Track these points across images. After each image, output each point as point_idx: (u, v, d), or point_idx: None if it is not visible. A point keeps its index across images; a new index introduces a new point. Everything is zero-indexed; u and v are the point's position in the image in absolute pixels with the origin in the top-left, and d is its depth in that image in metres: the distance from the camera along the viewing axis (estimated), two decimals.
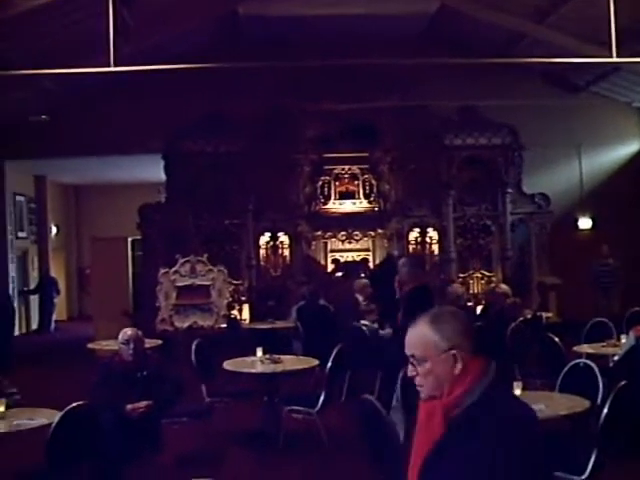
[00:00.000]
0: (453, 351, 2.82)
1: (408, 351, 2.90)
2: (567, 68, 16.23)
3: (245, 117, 16.34)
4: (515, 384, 6.08)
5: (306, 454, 8.31)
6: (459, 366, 2.82)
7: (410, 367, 2.89)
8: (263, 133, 16.39)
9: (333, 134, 16.75)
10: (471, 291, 16.51)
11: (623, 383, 5.75)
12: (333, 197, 17.12)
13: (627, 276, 16.14)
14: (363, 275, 15.58)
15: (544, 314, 12.99)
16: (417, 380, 2.89)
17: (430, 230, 17.14)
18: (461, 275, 16.84)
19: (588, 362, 6.76)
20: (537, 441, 2.82)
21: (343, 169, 17.18)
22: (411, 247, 17.13)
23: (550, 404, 6.00)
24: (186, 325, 14.73)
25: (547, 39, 15.70)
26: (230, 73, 15.25)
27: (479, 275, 17.06)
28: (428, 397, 2.89)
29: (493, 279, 16.78)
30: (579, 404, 6.00)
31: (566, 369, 6.80)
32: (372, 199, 17.12)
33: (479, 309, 13.07)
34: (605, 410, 5.50)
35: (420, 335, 2.87)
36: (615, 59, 12.81)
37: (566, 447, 5.94)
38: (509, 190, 17.00)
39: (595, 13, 12.82)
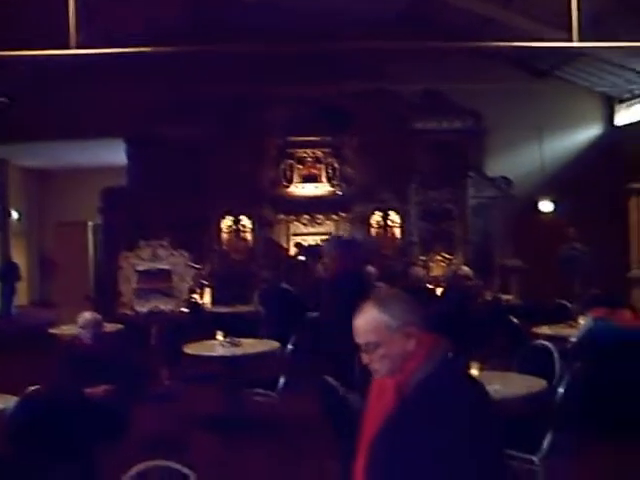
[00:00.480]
0: (405, 328, 2.84)
1: (360, 340, 2.90)
2: (532, 52, 16.30)
3: (210, 101, 16.26)
4: (472, 364, 6.12)
5: (269, 437, 8.32)
6: (412, 342, 2.84)
7: (364, 355, 2.90)
8: (228, 117, 16.33)
9: (297, 118, 16.71)
10: (433, 274, 16.54)
11: (579, 364, 5.83)
12: (296, 180, 17.09)
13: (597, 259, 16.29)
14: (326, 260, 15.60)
15: (504, 296, 13.14)
16: (373, 366, 2.90)
17: (393, 214, 17.18)
18: (423, 258, 16.90)
19: (545, 343, 6.84)
20: (487, 421, 2.84)
21: (306, 152, 17.16)
22: (374, 230, 17.16)
23: (507, 384, 6.06)
24: (147, 309, 14.64)
25: (512, 23, 15.73)
26: (196, 57, 15.12)
27: (441, 258, 17.15)
28: (385, 376, 2.90)
29: (455, 262, 16.86)
30: (536, 384, 6.06)
31: (524, 350, 6.88)
32: (335, 183, 17.12)
33: (440, 291, 13.12)
34: (561, 390, 5.56)
35: (369, 321, 2.88)
36: (576, 44, 12.89)
37: (522, 427, 6.02)
38: (471, 174, 17.10)
39: None
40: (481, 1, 15.60)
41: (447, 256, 17.22)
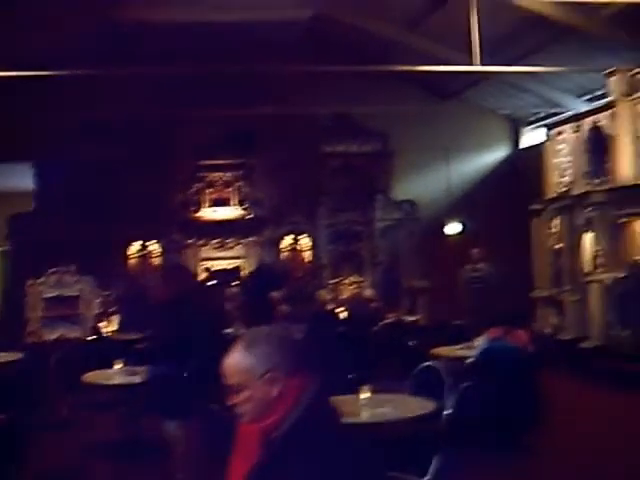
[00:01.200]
0: (270, 374, 2.83)
1: (226, 381, 2.89)
2: (437, 75, 16.55)
3: (120, 123, 16.09)
4: (364, 388, 6.15)
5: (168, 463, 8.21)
6: (277, 389, 2.83)
7: (231, 396, 2.89)
8: (137, 140, 16.17)
9: (207, 141, 16.65)
10: (343, 297, 16.60)
11: (466, 385, 5.90)
12: (206, 204, 17.00)
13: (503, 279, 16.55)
14: (236, 283, 15.59)
15: (408, 317, 13.28)
16: (238, 409, 2.89)
17: (303, 237, 17.22)
18: (333, 281, 16.96)
19: (435, 364, 6.90)
20: (355, 455, 2.85)
21: (216, 176, 17.07)
22: (284, 254, 17.17)
23: (397, 407, 6.09)
24: (53, 337, 14.42)
25: (417, 46, 16.00)
26: (106, 78, 14.96)
27: (350, 281, 17.21)
28: (250, 421, 2.90)
29: (363, 284, 16.97)
30: (425, 406, 6.10)
31: (415, 371, 6.93)
32: (246, 206, 17.06)
33: (345, 314, 13.23)
34: (448, 411, 5.62)
35: (235, 363, 2.87)
36: (478, 67, 13.20)
37: (411, 449, 6.07)
38: (379, 197, 17.28)
39: (462, 22, 13.16)
40: (386, 24, 15.76)
41: (357, 279, 17.29)
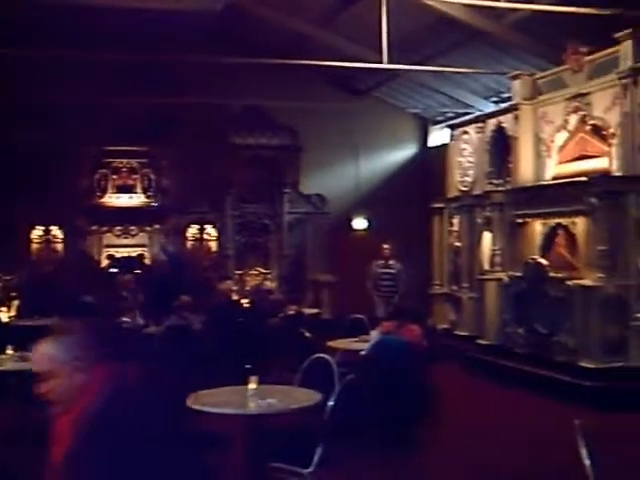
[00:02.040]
0: (75, 363, 2.91)
1: (35, 368, 2.98)
2: (348, 72, 16.67)
3: (27, 107, 15.75)
4: (252, 379, 6.17)
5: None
6: (82, 377, 2.92)
7: (40, 384, 2.95)
8: (43, 124, 15.85)
9: (115, 127, 16.42)
10: (248, 288, 16.61)
11: (349, 377, 5.96)
12: (111, 191, 16.79)
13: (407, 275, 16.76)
14: (139, 271, 15.44)
15: (310, 310, 13.35)
16: (48, 396, 2.96)
17: (209, 227, 17.18)
18: (238, 272, 16.97)
19: (326, 356, 6.95)
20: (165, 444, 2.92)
21: (122, 162, 16.90)
22: (189, 243, 17.10)
23: (283, 398, 6.13)
24: None
25: (329, 43, 16.08)
26: (17, 62, 14.63)
27: (256, 272, 17.25)
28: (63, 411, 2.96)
29: (269, 276, 17.03)
30: (312, 398, 6.15)
31: (306, 363, 6.98)
32: (151, 194, 16.92)
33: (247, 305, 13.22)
34: (330, 403, 5.67)
35: (43, 352, 2.97)
36: (386, 65, 13.35)
37: (295, 440, 6.13)
38: (287, 190, 17.36)
39: (372, 20, 13.28)
40: (297, 19, 15.78)
41: (262, 270, 17.34)
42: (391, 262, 14.91)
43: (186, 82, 16.08)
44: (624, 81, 10.46)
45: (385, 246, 15.07)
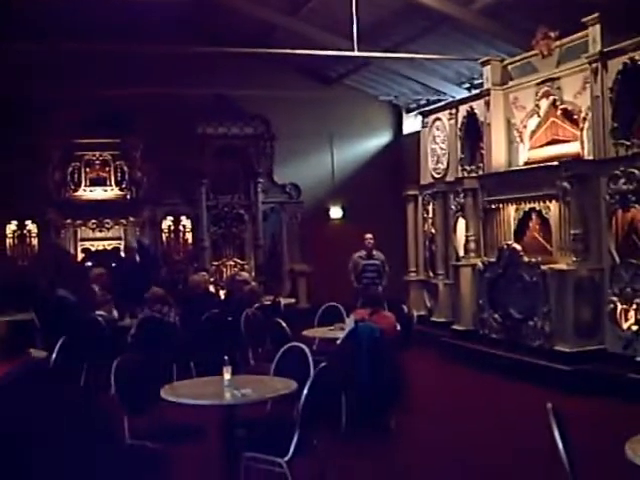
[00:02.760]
0: None
1: None
2: (320, 60, 16.64)
3: None
4: (225, 369, 6.17)
5: None
6: None
7: None
8: (13, 118, 15.71)
9: (85, 120, 16.30)
10: (223, 279, 16.60)
11: (323, 365, 5.97)
12: (84, 184, 16.68)
13: None
14: (114, 265, 15.37)
15: (285, 300, 13.37)
16: None
17: (184, 218, 17.11)
18: (215, 263, 16.95)
19: (301, 345, 6.96)
20: None
21: (94, 155, 16.76)
22: (164, 235, 17.03)
23: (258, 388, 6.14)
24: None
25: (299, 31, 16.03)
26: None
27: (232, 263, 17.23)
28: None
29: (246, 267, 17.01)
30: (287, 386, 6.16)
31: (281, 352, 6.99)
32: (124, 186, 16.80)
33: (223, 295, 13.24)
34: (305, 392, 5.67)
35: None
36: (356, 53, 13.36)
37: (271, 429, 6.14)
38: (261, 180, 17.34)
39: (342, 8, 13.27)
40: (267, 8, 15.73)
41: (239, 261, 17.31)
42: (374, 253, 14.48)
43: (156, 72, 15.92)
44: (593, 65, 10.50)
45: (367, 236, 14.68)
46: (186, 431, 6.45)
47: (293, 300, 15.12)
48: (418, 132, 15.68)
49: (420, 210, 14.72)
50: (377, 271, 14.29)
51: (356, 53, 13.40)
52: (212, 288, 14.79)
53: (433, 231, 14.21)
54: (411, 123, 19.22)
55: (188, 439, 6.39)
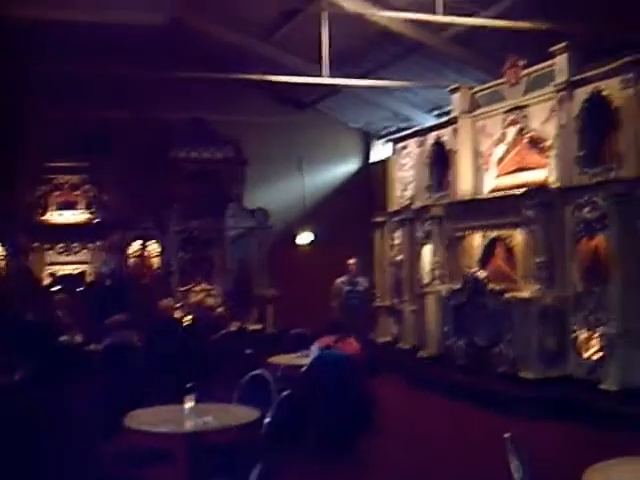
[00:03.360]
0: None
1: None
2: (292, 86, 16.68)
3: None
4: (188, 397, 6.14)
5: None
6: None
7: None
8: None
9: (56, 142, 16.24)
10: (190, 304, 16.47)
11: (286, 393, 5.96)
12: (52, 207, 16.59)
13: None
14: (81, 289, 15.30)
15: (253, 326, 13.33)
16: None
17: (152, 243, 17.03)
18: (182, 288, 16.84)
19: (264, 373, 6.94)
20: None
21: (64, 178, 16.70)
22: (132, 260, 16.93)
23: (220, 416, 6.11)
24: None
25: (272, 57, 16.10)
26: None
27: (200, 288, 17.13)
28: None
29: (213, 292, 16.92)
30: (249, 415, 6.14)
31: (244, 380, 6.97)
32: (93, 210, 16.74)
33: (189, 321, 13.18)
34: (267, 419, 5.67)
35: None
36: (327, 80, 13.44)
37: (234, 456, 6.11)
38: (231, 204, 17.29)
39: (314, 34, 13.35)
40: (240, 33, 15.78)
41: (207, 286, 17.23)
42: (358, 279, 14.21)
43: (128, 96, 15.90)
44: (560, 94, 10.63)
45: (351, 261, 14.44)
46: (148, 459, 6.40)
47: (260, 326, 15.07)
48: (387, 159, 15.74)
49: (387, 237, 14.74)
50: (360, 298, 14.02)
51: (327, 79, 13.47)
52: (179, 314, 14.75)
53: (400, 258, 14.22)
54: (381, 150, 19.31)
55: (153, 464, 6.34)
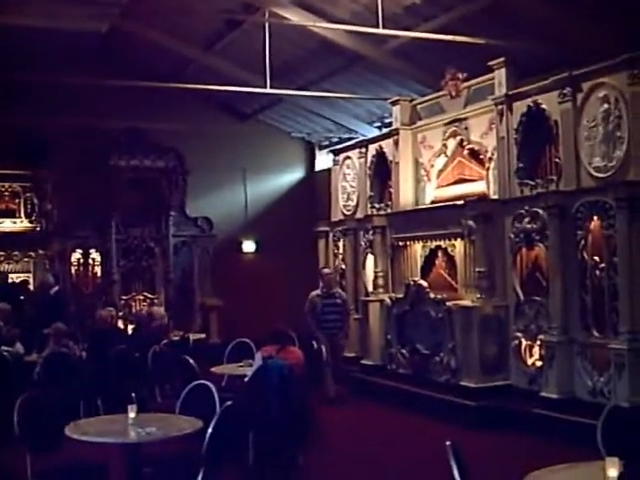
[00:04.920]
0: None
1: None
2: (234, 96, 16.71)
3: None
4: (130, 407, 6.15)
5: None
6: None
7: None
8: None
9: None
10: (132, 313, 16.39)
11: (228, 403, 5.99)
12: None
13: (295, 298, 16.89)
14: (22, 298, 15.11)
15: (196, 335, 13.28)
16: None
17: (93, 252, 16.92)
18: (124, 297, 16.75)
19: (207, 383, 6.96)
20: None
21: (3, 186, 16.49)
22: (74, 268, 16.80)
23: (163, 426, 6.12)
24: None
25: (214, 66, 16.11)
26: None
27: (142, 297, 17.07)
28: None
29: (156, 301, 16.86)
30: (192, 425, 6.15)
31: (187, 390, 6.98)
32: (34, 218, 16.55)
33: (131, 330, 13.11)
34: (209, 430, 5.68)
35: None
36: (268, 90, 13.51)
37: (176, 467, 6.12)
38: (172, 213, 17.27)
39: (256, 45, 13.42)
40: (182, 42, 15.77)
41: (149, 295, 17.16)
42: (334, 290, 12.73)
43: (70, 103, 15.75)
44: (499, 107, 10.80)
45: (325, 271, 13.18)
46: (90, 469, 6.38)
47: (203, 335, 15.00)
48: (330, 169, 15.84)
49: (331, 246, 14.82)
50: (339, 312, 12.49)
51: (269, 90, 13.55)
52: (121, 323, 14.67)
53: (343, 267, 14.32)
54: (324, 160, 19.41)
55: (93, 477, 6.32)
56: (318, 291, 12.57)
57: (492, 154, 11.13)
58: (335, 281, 13.39)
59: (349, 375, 12.84)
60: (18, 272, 16.55)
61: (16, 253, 16.45)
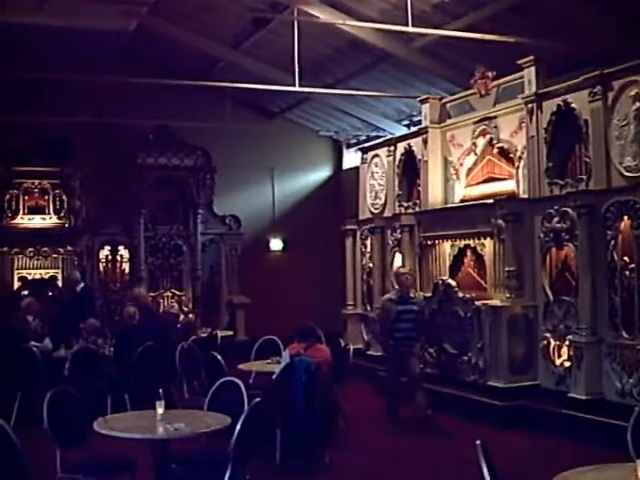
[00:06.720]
0: None
1: None
2: (262, 94, 16.73)
3: None
4: (158, 403, 6.16)
5: None
6: None
7: None
8: None
9: (24, 147, 16.16)
10: (161, 310, 16.47)
11: (257, 400, 5.97)
12: (22, 212, 16.50)
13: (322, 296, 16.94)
14: (50, 294, 15.21)
15: (222, 332, 13.30)
16: None
17: (121, 248, 17.01)
18: (152, 294, 16.79)
19: (235, 380, 6.95)
20: None
21: (33, 183, 16.61)
22: (102, 265, 16.90)
23: (191, 422, 6.13)
24: None
25: (242, 65, 16.14)
26: None
27: (170, 294, 17.14)
28: None
29: (183, 298, 16.93)
30: (220, 421, 6.16)
31: (215, 387, 6.98)
32: (62, 215, 16.67)
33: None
34: (238, 427, 5.67)
35: None
36: (297, 88, 13.50)
37: (205, 463, 6.13)
38: (200, 211, 17.34)
39: (285, 43, 13.42)
40: (210, 41, 15.80)
41: (176, 292, 17.23)
42: (411, 295, 10.76)
43: (98, 101, 15.90)
44: (529, 106, 10.73)
45: (401, 270, 11.37)
46: (119, 464, 6.42)
47: (231, 332, 15.06)
48: (358, 167, 15.82)
49: (358, 244, 14.81)
50: (414, 320, 10.47)
51: (297, 88, 13.54)
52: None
53: (371, 265, 14.29)
54: (351, 158, 19.42)
55: (121, 473, 6.35)
56: (392, 295, 10.84)
57: (522, 153, 11.06)
58: (413, 284, 11.52)
59: (376, 374, 12.79)
60: (47, 268, 16.65)
61: (45, 249, 16.55)
